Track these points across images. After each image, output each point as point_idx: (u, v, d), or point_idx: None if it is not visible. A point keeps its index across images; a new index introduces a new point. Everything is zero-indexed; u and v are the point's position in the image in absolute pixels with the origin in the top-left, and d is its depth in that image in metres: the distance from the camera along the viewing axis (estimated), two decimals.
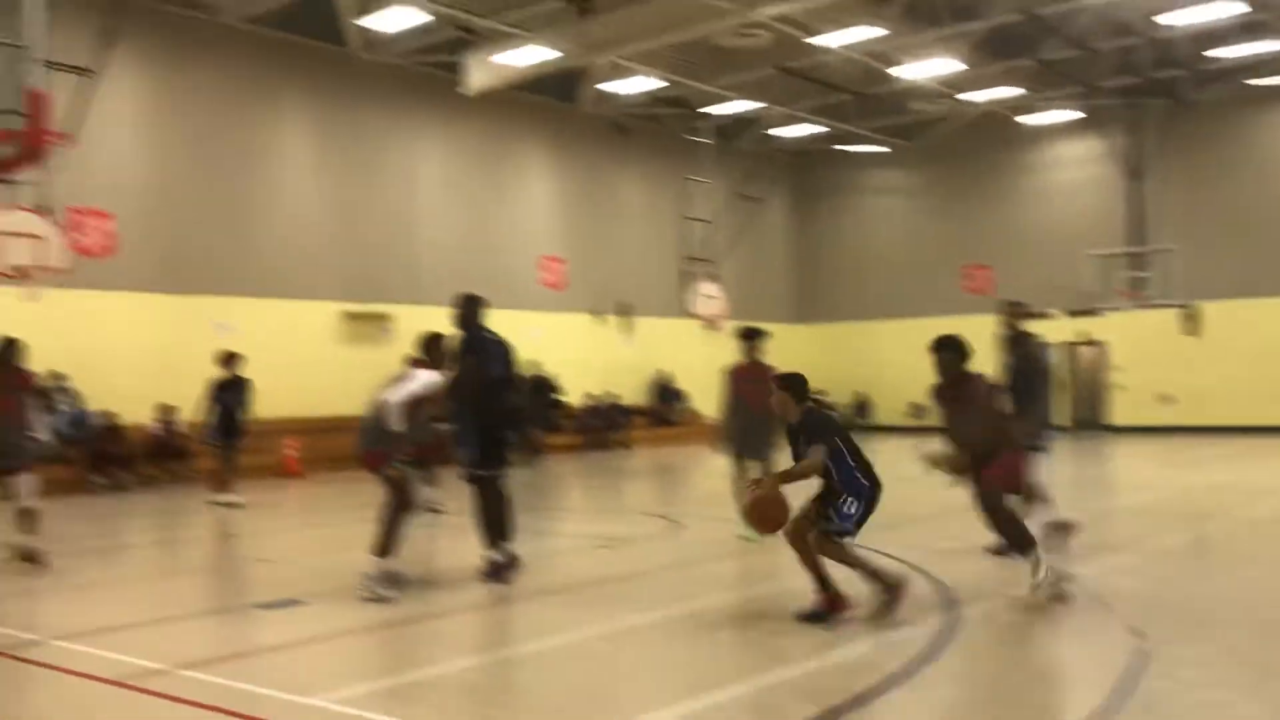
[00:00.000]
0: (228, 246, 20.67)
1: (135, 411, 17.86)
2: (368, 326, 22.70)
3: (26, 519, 9.44)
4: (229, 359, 14.88)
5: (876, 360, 31.53)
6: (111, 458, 17.46)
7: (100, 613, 7.77)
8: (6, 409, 9.45)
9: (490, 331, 8.77)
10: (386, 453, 7.93)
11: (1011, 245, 30.20)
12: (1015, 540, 7.44)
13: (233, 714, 5.16)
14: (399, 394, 7.91)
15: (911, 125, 30.43)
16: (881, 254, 32.48)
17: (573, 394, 25.27)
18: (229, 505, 14.29)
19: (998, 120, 28.93)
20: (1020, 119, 28.76)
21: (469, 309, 8.85)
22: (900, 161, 32.30)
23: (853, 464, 6.82)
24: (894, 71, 24.67)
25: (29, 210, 14.45)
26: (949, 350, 7.87)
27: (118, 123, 19.07)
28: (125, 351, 18.69)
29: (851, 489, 6.74)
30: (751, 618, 7.25)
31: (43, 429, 10.29)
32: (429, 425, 8.95)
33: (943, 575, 8.03)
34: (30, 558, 9.29)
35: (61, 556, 9.80)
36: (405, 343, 23.16)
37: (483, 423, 8.43)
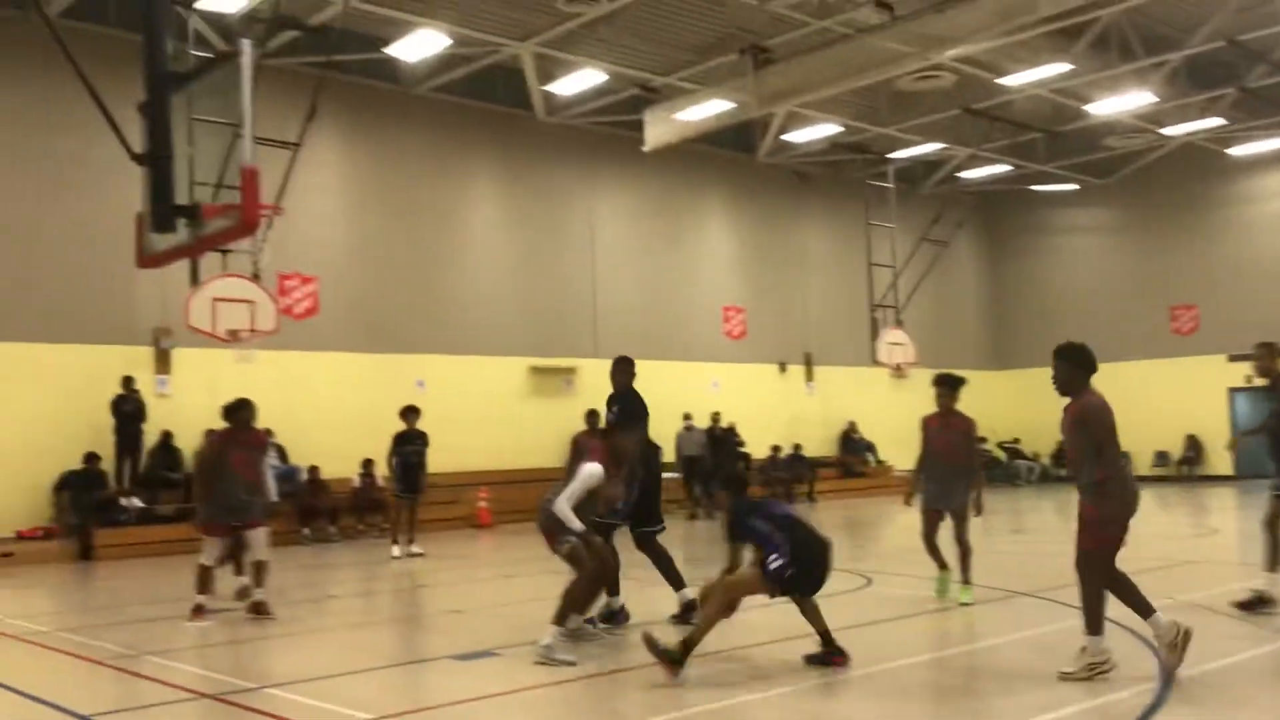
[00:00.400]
0: (422, 306, 21.50)
1: (337, 466, 18.65)
2: (553, 380, 23.17)
3: (257, 572, 9.91)
4: (408, 413, 15.29)
5: None
6: (316, 511, 18.28)
7: (308, 661, 8.06)
8: (243, 466, 9.99)
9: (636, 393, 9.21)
10: (555, 532, 8.02)
11: (1218, 282, 28.58)
12: None
13: None
14: (563, 499, 7.97)
15: (1105, 161, 29.31)
16: (1078, 295, 31.19)
17: (756, 446, 25.08)
18: (411, 555, 14.78)
19: (1198, 152, 27.56)
20: (1224, 150, 27.31)
21: (626, 371, 9.28)
22: (1094, 199, 31.08)
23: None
24: (1086, 108, 23.84)
25: (241, 277, 15.40)
26: (1064, 359, 6.91)
27: (319, 191, 20.16)
28: (328, 409, 19.59)
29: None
30: (951, 678, 6.96)
31: (273, 486, 10.87)
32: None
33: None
34: (258, 609, 9.73)
35: (272, 607, 10.25)
36: (589, 396, 23.61)
37: (642, 483, 8.58)
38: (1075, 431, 6.64)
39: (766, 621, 8.33)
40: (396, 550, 15.02)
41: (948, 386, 10.09)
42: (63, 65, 8.20)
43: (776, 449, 25.13)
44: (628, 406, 9.28)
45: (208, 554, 10.00)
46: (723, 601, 7.00)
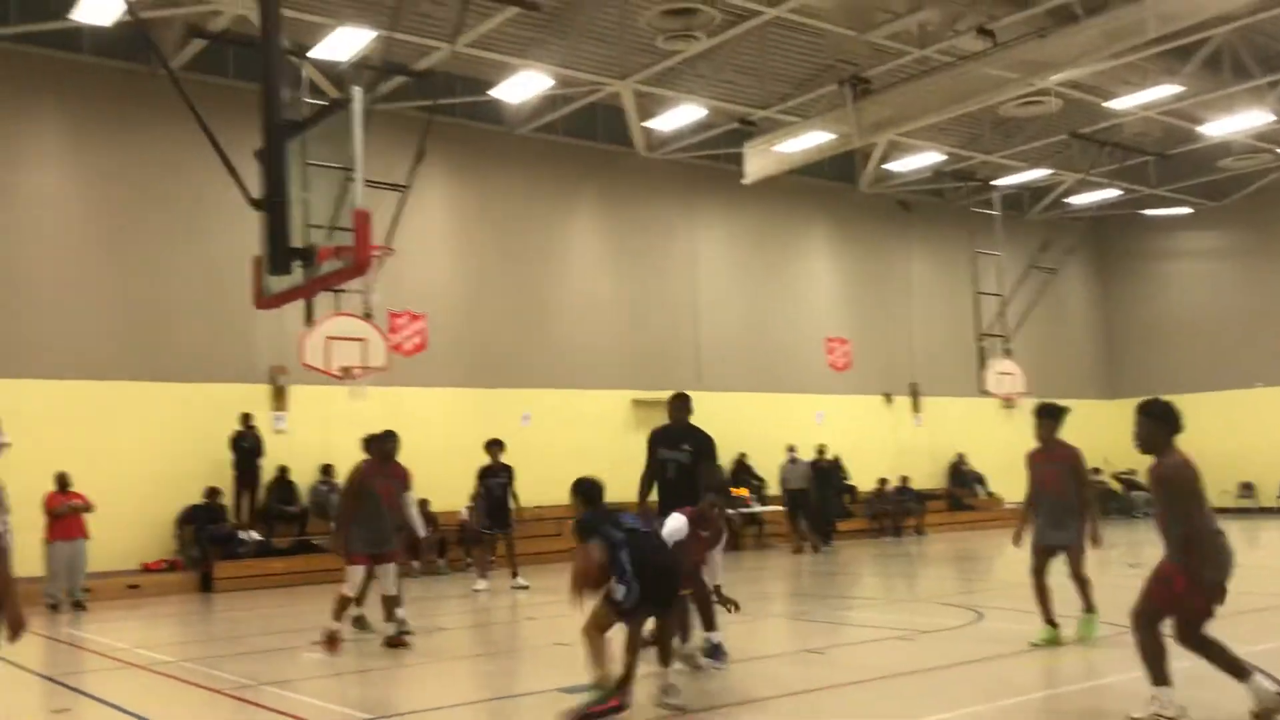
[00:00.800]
0: (527, 341, 21.82)
1: (446, 500, 18.94)
2: (655, 413, 23.19)
3: (386, 606, 10.10)
4: (492, 446, 15.48)
5: (1195, 436, 29.03)
6: (426, 544, 18.59)
7: (420, 693, 8.21)
8: (387, 498, 10.25)
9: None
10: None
11: None
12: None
13: None
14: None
15: (1219, 184, 28.46)
16: (1194, 321, 30.23)
17: (863, 479, 24.80)
18: (516, 588, 14.96)
19: None
20: None
21: (685, 408, 9.55)
22: (1208, 223, 30.15)
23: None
24: (1199, 129, 23.24)
25: (353, 316, 15.85)
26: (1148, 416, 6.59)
27: (427, 231, 20.65)
28: (437, 443, 19.92)
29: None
30: (1059, 718, 6.79)
31: (419, 521, 11.13)
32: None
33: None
34: (393, 643, 9.91)
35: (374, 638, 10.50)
36: None
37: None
38: (1159, 493, 6.39)
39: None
40: (481, 584, 15.16)
41: (1048, 417, 9.61)
42: (186, 116, 8.59)
43: (883, 482, 24.81)
44: (700, 445, 9.12)
45: (350, 584, 10.07)
46: (592, 644, 6.93)
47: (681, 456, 9.20)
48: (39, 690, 8.95)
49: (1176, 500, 6.26)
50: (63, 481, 15.29)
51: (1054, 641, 8.93)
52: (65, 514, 15.14)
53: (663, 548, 7.35)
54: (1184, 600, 6.10)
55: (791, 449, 22.19)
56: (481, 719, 7.27)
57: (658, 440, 9.22)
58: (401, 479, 10.64)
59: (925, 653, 9.13)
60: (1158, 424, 6.58)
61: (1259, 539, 20.98)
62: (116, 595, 16.24)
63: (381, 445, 10.47)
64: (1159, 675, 6.20)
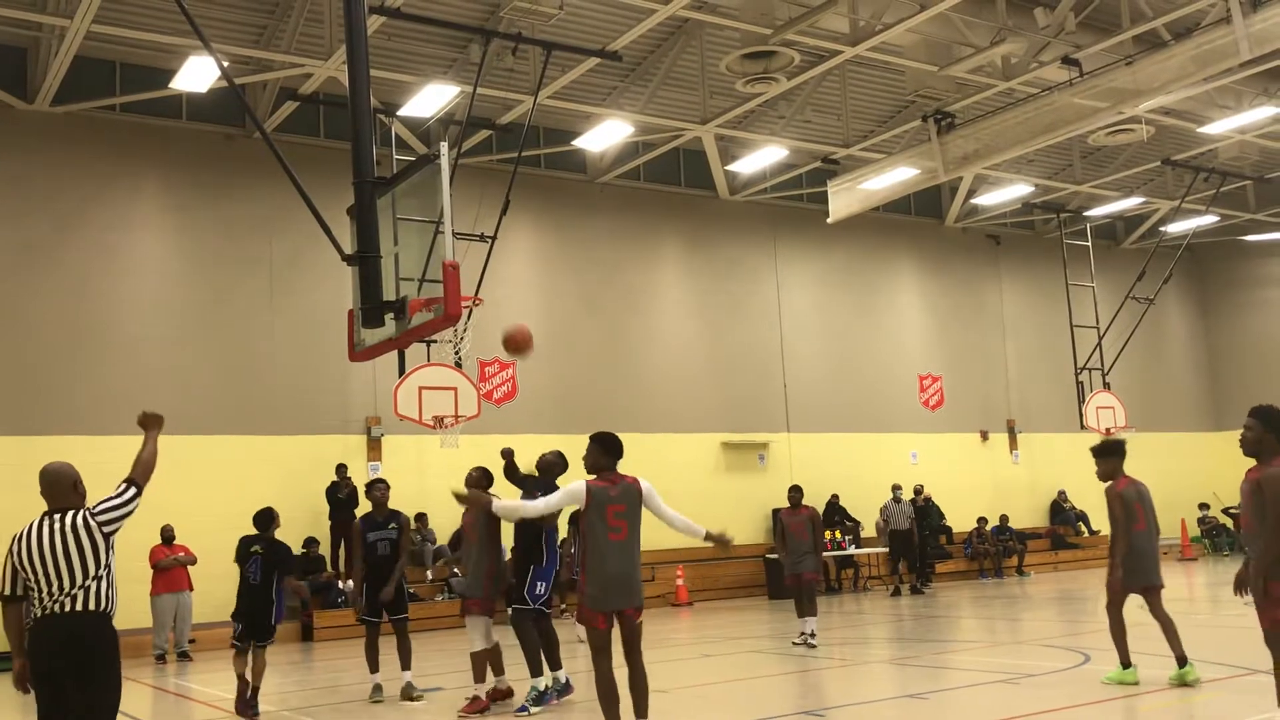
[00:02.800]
0: (615, 386, 21.88)
1: None
2: (745, 456, 23.11)
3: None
4: None
5: None
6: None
7: None
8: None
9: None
10: None
11: None
12: None
13: None
14: None
15: None
16: None
17: (960, 518, 24.30)
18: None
19: None
20: None
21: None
22: None
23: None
24: None
25: (444, 365, 16.09)
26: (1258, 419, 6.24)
27: (514, 280, 20.91)
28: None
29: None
30: None
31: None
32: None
33: None
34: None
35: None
36: (782, 471, 23.44)
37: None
38: (1251, 498, 6.09)
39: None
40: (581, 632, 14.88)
41: (1098, 455, 9.34)
42: (280, 176, 8.84)
43: (982, 521, 24.28)
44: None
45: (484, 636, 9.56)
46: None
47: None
48: None
49: (1268, 507, 5.94)
50: (167, 535, 15.70)
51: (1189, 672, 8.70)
52: (170, 566, 15.54)
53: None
54: None
55: (896, 488, 21.80)
56: None
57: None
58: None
59: (1031, 697, 8.86)
60: (1267, 428, 6.22)
61: None
62: (219, 645, 16.53)
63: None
64: None
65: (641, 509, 7.08)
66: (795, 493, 13.52)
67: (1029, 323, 27.74)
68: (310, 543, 18.10)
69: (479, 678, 9.38)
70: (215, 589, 17.47)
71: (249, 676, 9.81)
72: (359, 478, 18.88)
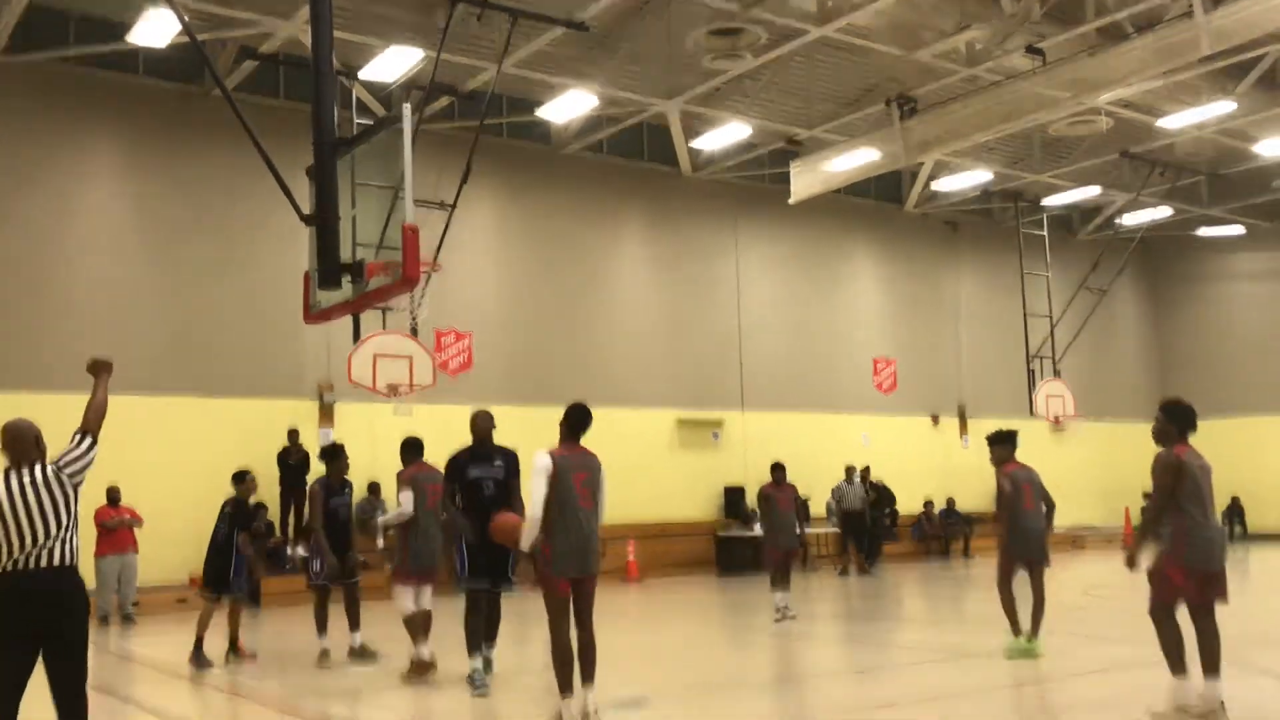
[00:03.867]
0: (571, 360, 21.84)
1: None
2: (700, 433, 23.20)
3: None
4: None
5: (1254, 460, 28.66)
6: None
7: (470, 708, 8.18)
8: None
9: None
10: None
11: None
12: None
13: None
14: None
15: (1275, 204, 28.00)
16: (1252, 343, 29.70)
17: (909, 500, 24.56)
18: None
19: None
20: None
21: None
22: (1263, 243, 29.65)
23: None
24: (1254, 148, 22.91)
25: (400, 334, 15.97)
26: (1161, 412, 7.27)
27: (473, 249, 20.77)
28: None
29: None
30: None
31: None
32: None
33: None
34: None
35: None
36: (737, 448, 23.56)
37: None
38: (1165, 476, 7.03)
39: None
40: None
41: (992, 442, 10.35)
42: (239, 135, 8.70)
43: (929, 504, 24.56)
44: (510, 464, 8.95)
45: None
46: None
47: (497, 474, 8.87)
48: (90, 702, 9.04)
49: (1160, 490, 6.96)
50: (113, 495, 15.49)
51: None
52: (115, 528, 15.34)
53: None
54: (1165, 584, 6.88)
55: (850, 469, 21.96)
56: None
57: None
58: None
59: (972, 674, 9.00)
60: (1168, 421, 7.20)
61: None
62: (165, 609, 16.40)
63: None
64: (1177, 666, 6.71)
65: (600, 481, 7.31)
66: (779, 470, 13.59)
67: (983, 309, 28.01)
68: (258, 508, 17.93)
69: (418, 640, 9.39)
70: (161, 552, 17.30)
71: (223, 628, 10.13)
72: (310, 444, 18.74)
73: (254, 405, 18.54)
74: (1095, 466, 28.73)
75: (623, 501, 20.93)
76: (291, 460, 18.17)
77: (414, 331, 16.03)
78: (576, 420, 7.48)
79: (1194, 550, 6.84)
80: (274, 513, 18.18)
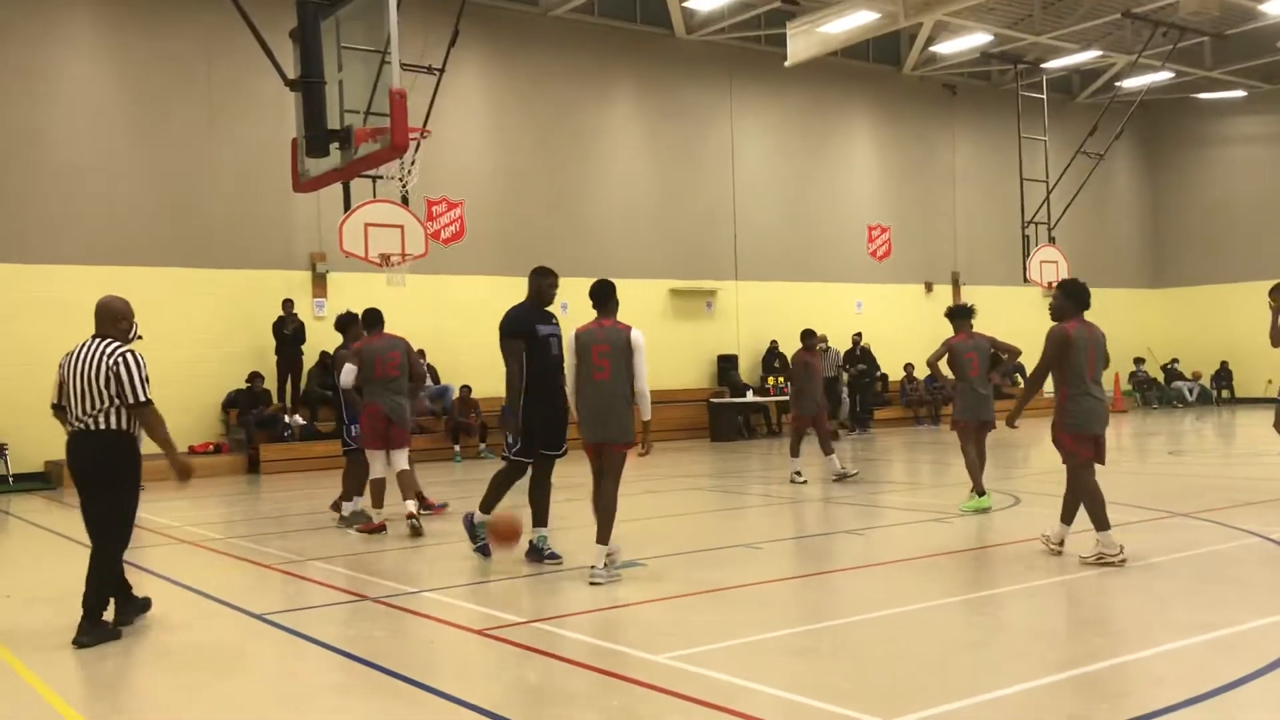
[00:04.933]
0: (564, 229, 21.70)
1: (487, 386, 19.10)
2: (693, 303, 23.21)
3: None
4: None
5: (1243, 327, 28.83)
6: (467, 428, 18.87)
7: (461, 569, 8.39)
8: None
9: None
10: None
11: None
12: None
13: (582, 665, 5.43)
14: None
15: (1277, 66, 27.51)
16: (1246, 209, 29.59)
17: (902, 367, 24.74)
18: None
19: None
20: None
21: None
22: (1264, 106, 29.30)
23: None
24: (1260, 7, 22.38)
25: (391, 202, 15.80)
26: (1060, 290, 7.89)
27: (463, 116, 20.45)
28: (477, 330, 20.02)
29: None
30: (1098, 595, 6.83)
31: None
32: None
33: None
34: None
35: (431, 519, 10.74)
36: (730, 318, 23.58)
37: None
38: (1053, 348, 7.64)
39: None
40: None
41: (949, 316, 11.25)
42: None
43: (909, 367, 24.65)
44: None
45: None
46: None
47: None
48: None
49: (1043, 360, 7.65)
50: None
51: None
52: None
53: None
54: (1063, 443, 7.61)
55: (823, 338, 22.05)
56: (521, 593, 7.44)
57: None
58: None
59: (961, 534, 9.20)
60: (1065, 299, 7.72)
61: None
62: (165, 476, 16.61)
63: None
64: (1100, 521, 7.50)
65: (629, 354, 7.57)
66: (811, 336, 13.65)
67: (979, 175, 27.77)
68: (255, 377, 18.05)
69: (376, 503, 10.12)
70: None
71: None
72: (305, 314, 18.76)
73: (245, 276, 18.49)
74: None
75: None
76: (287, 330, 18.21)
77: (404, 200, 15.84)
78: (596, 295, 7.84)
79: (1076, 416, 7.58)
80: (270, 381, 18.31)
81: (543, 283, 8.19)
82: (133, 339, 6.74)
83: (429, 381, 19.26)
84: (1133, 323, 30.02)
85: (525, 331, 7.99)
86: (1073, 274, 23.86)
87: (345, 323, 11.07)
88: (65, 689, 5.36)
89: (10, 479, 16.17)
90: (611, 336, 7.61)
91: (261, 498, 14.47)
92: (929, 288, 26.92)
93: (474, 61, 20.42)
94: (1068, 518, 7.81)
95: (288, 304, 18.33)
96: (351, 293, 18.73)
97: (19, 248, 16.89)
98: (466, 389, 19.16)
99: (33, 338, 16.86)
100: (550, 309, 8.32)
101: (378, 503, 10.22)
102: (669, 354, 22.20)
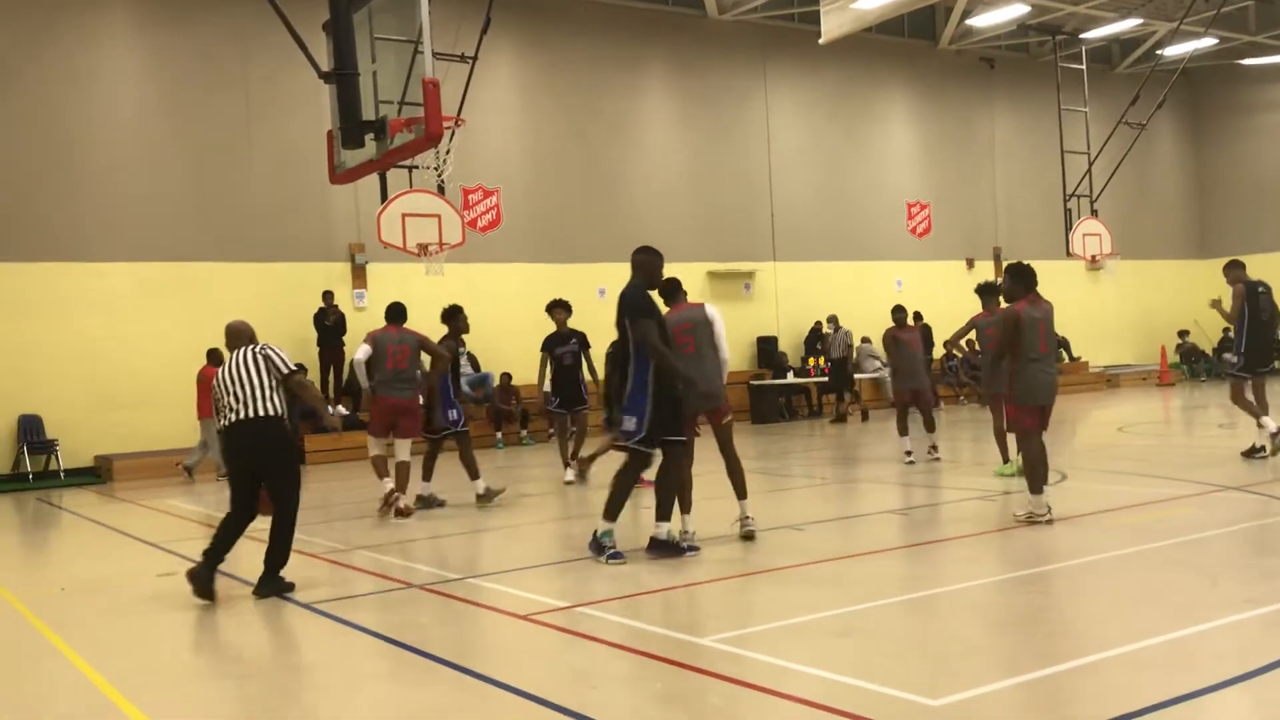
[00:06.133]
0: (600, 214, 21.69)
1: (526, 374, 19.12)
2: (731, 285, 23.13)
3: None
4: (557, 308, 13.29)
5: None
6: (508, 416, 18.96)
7: (507, 554, 8.44)
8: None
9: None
10: None
11: None
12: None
13: (625, 648, 5.43)
14: None
15: None
16: None
17: (943, 344, 24.53)
18: (577, 479, 12.77)
19: None
20: None
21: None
22: None
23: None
24: None
25: (428, 192, 15.86)
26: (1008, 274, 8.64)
27: (496, 105, 20.47)
28: (515, 318, 20.10)
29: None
30: (1152, 572, 6.74)
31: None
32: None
33: None
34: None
35: (469, 504, 10.81)
36: (768, 299, 23.47)
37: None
38: (1002, 329, 8.42)
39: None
40: (569, 475, 12.74)
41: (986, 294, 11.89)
42: None
43: (961, 347, 24.40)
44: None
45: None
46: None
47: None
48: (147, 555, 9.39)
49: (1001, 341, 8.38)
50: (215, 358, 16.01)
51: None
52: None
53: None
54: (1014, 414, 8.38)
55: (833, 318, 21.97)
56: (568, 577, 7.46)
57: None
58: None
59: (1004, 513, 9.12)
60: (1013, 282, 8.44)
61: None
62: (214, 469, 16.85)
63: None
64: (1034, 485, 8.12)
65: (711, 329, 8.15)
66: (900, 312, 13.70)
67: (1019, 149, 27.43)
68: (298, 369, 18.19)
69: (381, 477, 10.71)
70: (193, 416, 17.69)
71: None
72: (345, 305, 18.89)
73: (286, 269, 18.66)
74: (1131, 305, 28.52)
75: None
76: (328, 321, 18.35)
77: (441, 189, 15.90)
78: (664, 288, 8.29)
79: (1024, 388, 8.26)
80: (313, 373, 18.46)
81: (656, 262, 7.86)
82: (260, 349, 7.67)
83: (470, 369, 19.37)
84: (1178, 294, 29.56)
85: (657, 312, 7.73)
86: (1117, 247, 23.61)
87: (449, 315, 11.46)
88: (119, 679, 5.44)
89: (62, 474, 16.44)
90: (691, 315, 8.25)
91: (307, 489, 14.56)
92: (970, 264, 26.66)
93: (506, 49, 20.42)
94: (1035, 488, 8.22)
95: (328, 295, 18.47)
96: (391, 283, 18.86)
97: (67, 246, 17.13)
98: (507, 376, 19.24)
99: (82, 334, 17.13)
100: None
101: (381, 474, 10.61)
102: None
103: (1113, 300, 28.59)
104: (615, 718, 4.40)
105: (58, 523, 12.53)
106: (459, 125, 14.62)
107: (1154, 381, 27.27)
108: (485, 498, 11.00)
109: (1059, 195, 23.61)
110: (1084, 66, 24.16)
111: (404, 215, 15.51)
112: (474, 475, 11.03)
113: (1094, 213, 23.37)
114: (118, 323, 17.41)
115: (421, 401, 10.87)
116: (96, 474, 16.79)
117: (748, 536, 8.08)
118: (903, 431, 13.15)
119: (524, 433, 19.12)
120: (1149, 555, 7.08)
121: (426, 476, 11.06)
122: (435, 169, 15.95)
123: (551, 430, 18.14)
